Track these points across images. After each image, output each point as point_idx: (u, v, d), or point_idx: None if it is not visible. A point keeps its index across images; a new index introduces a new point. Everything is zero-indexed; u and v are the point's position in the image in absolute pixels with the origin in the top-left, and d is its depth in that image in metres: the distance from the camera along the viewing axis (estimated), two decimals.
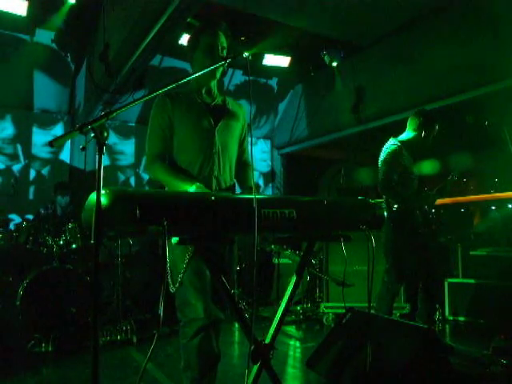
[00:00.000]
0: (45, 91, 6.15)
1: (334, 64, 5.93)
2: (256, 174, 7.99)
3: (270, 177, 8.43)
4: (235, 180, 2.27)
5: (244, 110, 2.32)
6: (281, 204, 1.69)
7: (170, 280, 1.95)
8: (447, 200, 4.98)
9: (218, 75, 2.17)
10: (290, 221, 1.67)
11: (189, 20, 4.18)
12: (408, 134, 3.53)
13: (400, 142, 3.46)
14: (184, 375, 1.99)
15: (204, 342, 1.93)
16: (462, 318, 4.53)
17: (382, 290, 3.47)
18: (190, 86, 2.21)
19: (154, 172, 2.09)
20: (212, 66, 1.93)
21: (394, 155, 3.35)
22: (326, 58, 5.92)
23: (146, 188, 7.07)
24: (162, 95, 2.10)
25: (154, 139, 2.11)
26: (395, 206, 3.38)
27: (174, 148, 2.12)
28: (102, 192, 1.36)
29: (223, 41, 2.12)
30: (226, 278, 1.81)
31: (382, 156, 3.42)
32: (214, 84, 2.22)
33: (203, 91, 2.19)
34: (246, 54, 1.86)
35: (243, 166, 2.31)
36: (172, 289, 1.88)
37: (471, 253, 4.79)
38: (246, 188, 2.25)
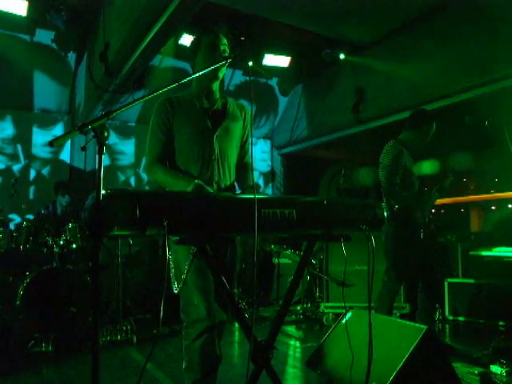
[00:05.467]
0: (45, 91, 6.15)
1: (335, 58, 5.91)
2: (256, 173, 7.98)
3: (269, 177, 8.43)
4: (236, 183, 2.27)
5: (246, 110, 2.29)
6: (281, 204, 1.68)
7: (173, 280, 1.96)
8: (447, 200, 4.98)
9: (221, 75, 2.16)
10: (290, 221, 1.67)
11: (189, 21, 4.18)
12: (406, 133, 3.53)
13: (399, 142, 3.46)
14: (186, 376, 1.99)
15: (207, 344, 1.93)
16: (461, 318, 4.53)
17: (382, 290, 3.47)
18: (191, 89, 2.20)
19: (153, 174, 2.08)
20: (213, 63, 1.93)
21: (394, 158, 3.34)
22: (327, 57, 5.92)
23: (146, 188, 7.07)
24: (162, 99, 2.12)
25: (154, 142, 2.10)
26: (396, 205, 3.37)
27: (173, 153, 2.12)
28: (102, 192, 1.36)
29: (224, 42, 2.14)
30: (227, 278, 1.81)
31: (383, 160, 3.41)
32: (216, 87, 2.20)
33: (204, 96, 2.17)
34: (250, 64, 1.86)
35: (244, 167, 2.30)
36: (176, 289, 1.88)
37: (471, 253, 4.79)
38: (246, 187, 2.24)
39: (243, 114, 2.26)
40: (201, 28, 2.24)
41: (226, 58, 1.96)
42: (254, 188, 1.73)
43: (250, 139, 2.31)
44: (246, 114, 2.28)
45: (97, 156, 1.38)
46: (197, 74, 1.95)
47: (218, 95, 2.23)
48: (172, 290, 1.97)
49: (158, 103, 2.13)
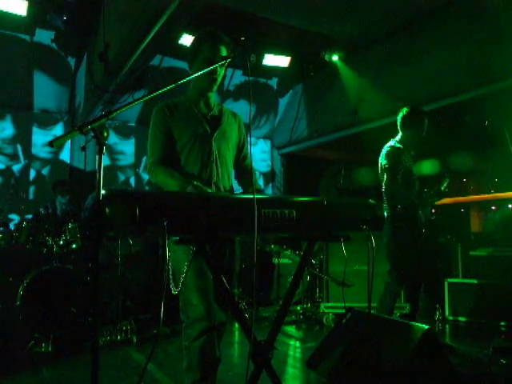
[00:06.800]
0: (45, 91, 6.15)
1: (335, 58, 5.90)
2: (256, 174, 7.98)
3: (270, 177, 8.43)
4: (240, 186, 2.32)
5: (240, 117, 2.37)
6: (281, 204, 1.68)
7: (172, 281, 1.97)
8: (447, 200, 4.98)
9: (215, 88, 2.20)
10: (290, 221, 1.67)
11: (189, 21, 4.18)
12: (402, 134, 3.52)
13: (399, 142, 3.46)
14: (186, 376, 2.00)
15: (206, 345, 1.94)
16: (462, 318, 4.52)
17: (384, 292, 3.47)
18: (188, 95, 2.25)
19: (155, 176, 2.09)
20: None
21: (395, 157, 3.34)
22: (327, 57, 5.92)
23: (146, 188, 7.07)
24: (159, 105, 2.16)
25: (154, 145, 2.13)
26: (398, 206, 3.37)
27: (173, 156, 2.14)
28: (102, 192, 1.36)
29: (224, 54, 2.12)
30: (227, 278, 1.81)
31: (383, 160, 3.40)
32: (211, 94, 2.25)
33: (201, 101, 2.22)
34: (253, 58, 1.86)
35: (246, 172, 2.35)
36: (175, 291, 1.88)
37: (471, 253, 4.79)
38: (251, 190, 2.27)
39: (237, 120, 2.34)
40: (201, 28, 2.22)
41: (224, 58, 1.98)
42: (254, 188, 1.74)
43: (246, 144, 2.38)
44: (240, 120, 2.36)
45: (97, 156, 1.38)
46: (195, 75, 1.94)
47: (213, 100, 2.28)
48: (172, 290, 1.97)
49: (156, 108, 2.16)
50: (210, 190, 2.00)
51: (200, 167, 2.11)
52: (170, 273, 2.01)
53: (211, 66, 2.06)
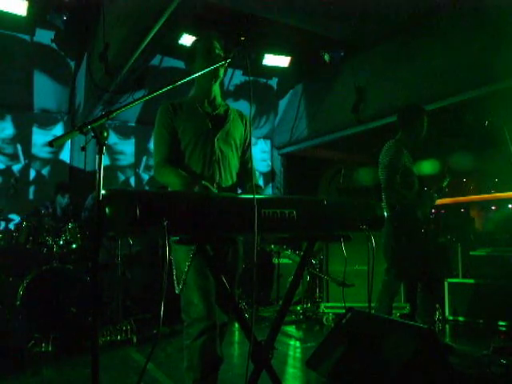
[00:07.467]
0: (45, 91, 6.14)
1: (335, 58, 5.90)
2: (256, 174, 7.97)
3: (270, 177, 8.42)
4: (240, 188, 2.30)
5: (246, 117, 2.35)
6: (281, 204, 1.68)
7: (174, 281, 1.97)
8: (447, 200, 4.98)
9: (221, 74, 2.20)
10: (290, 221, 1.67)
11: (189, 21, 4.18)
12: (401, 133, 3.52)
13: (398, 142, 3.46)
14: (187, 375, 2.00)
15: (207, 344, 1.93)
16: (461, 318, 4.53)
17: (382, 290, 3.47)
18: (193, 94, 2.26)
19: (162, 176, 2.10)
20: (211, 66, 1.97)
21: (394, 157, 3.34)
22: (326, 57, 5.93)
23: (146, 188, 7.06)
24: (164, 104, 2.17)
25: (160, 144, 2.14)
26: (397, 206, 3.37)
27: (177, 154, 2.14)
28: (102, 192, 1.36)
29: (217, 46, 2.18)
30: (229, 278, 1.81)
31: (383, 159, 3.40)
32: (216, 90, 2.25)
33: (206, 100, 2.22)
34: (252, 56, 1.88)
35: (248, 173, 2.32)
36: (177, 289, 1.88)
37: (471, 253, 4.79)
38: (249, 187, 2.26)
39: (244, 120, 2.33)
40: (201, 28, 2.25)
41: (224, 58, 1.98)
42: (254, 188, 1.73)
43: (250, 146, 2.35)
44: (247, 121, 2.34)
45: (97, 156, 1.38)
46: (196, 74, 1.96)
47: (219, 100, 2.27)
48: (172, 290, 1.97)
49: (160, 107, 2.17)
50: (215, 191, 2.00)
51: (202, 166, 2.11)
52: (173, 271, 2.02)
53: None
